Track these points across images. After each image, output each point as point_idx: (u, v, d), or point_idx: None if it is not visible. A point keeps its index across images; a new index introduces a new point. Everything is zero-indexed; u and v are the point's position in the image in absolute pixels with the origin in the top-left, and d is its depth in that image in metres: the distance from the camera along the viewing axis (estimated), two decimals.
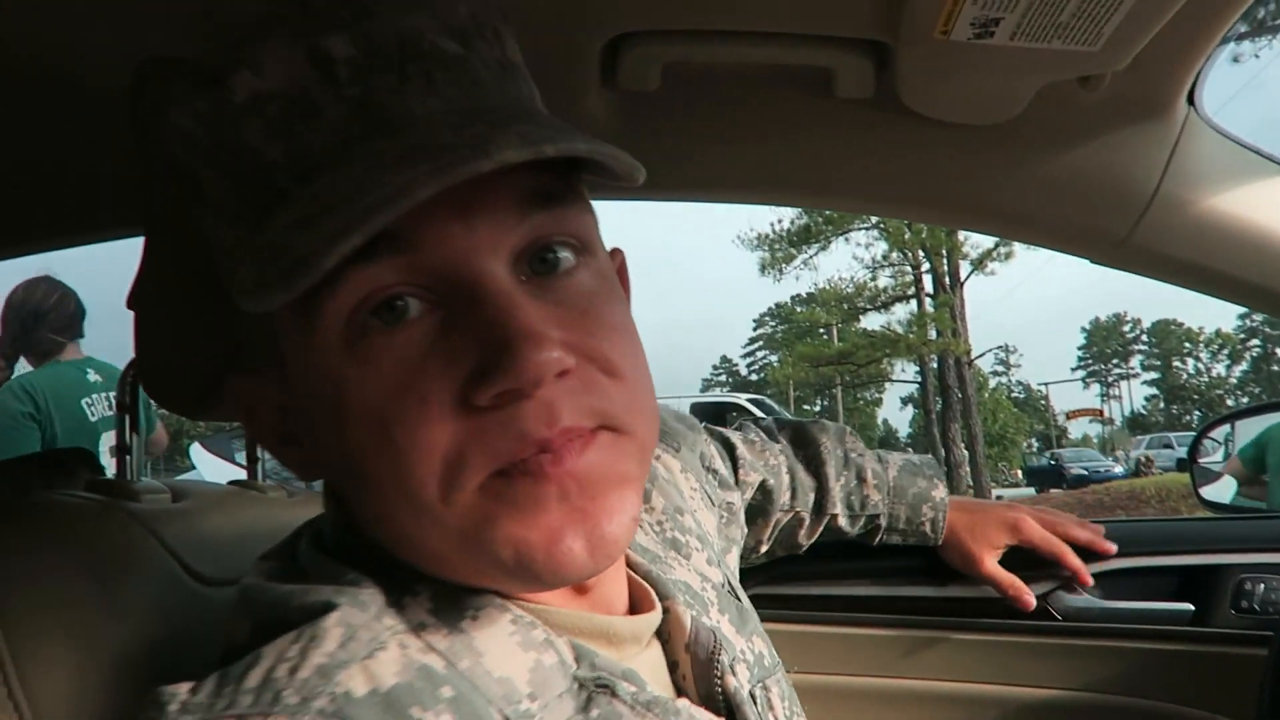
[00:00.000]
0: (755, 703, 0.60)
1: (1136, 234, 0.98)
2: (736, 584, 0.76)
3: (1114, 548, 1.14)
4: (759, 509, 1.04)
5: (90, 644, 0.56)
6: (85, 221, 1.15)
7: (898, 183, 1.02)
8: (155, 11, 0.79)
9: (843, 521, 1.09)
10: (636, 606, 0.58)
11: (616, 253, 0.56)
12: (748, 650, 0.65)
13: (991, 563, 1.12)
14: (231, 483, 0.87)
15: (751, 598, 1.23)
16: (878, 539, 1.12)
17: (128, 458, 0.72)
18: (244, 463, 0.86)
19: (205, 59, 0.47)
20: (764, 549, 1.09)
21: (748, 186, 1.07)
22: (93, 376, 2.47)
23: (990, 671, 1.17)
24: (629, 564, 0.60)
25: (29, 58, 0.86)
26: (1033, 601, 1.11)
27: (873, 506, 1.09)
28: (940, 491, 1.10)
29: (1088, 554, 1.13)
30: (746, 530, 0.99)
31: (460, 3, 0.47)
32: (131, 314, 0.69)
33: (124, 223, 1.14)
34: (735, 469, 1.00)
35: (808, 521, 1.08)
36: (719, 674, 0.57)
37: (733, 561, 0.90)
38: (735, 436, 1.04)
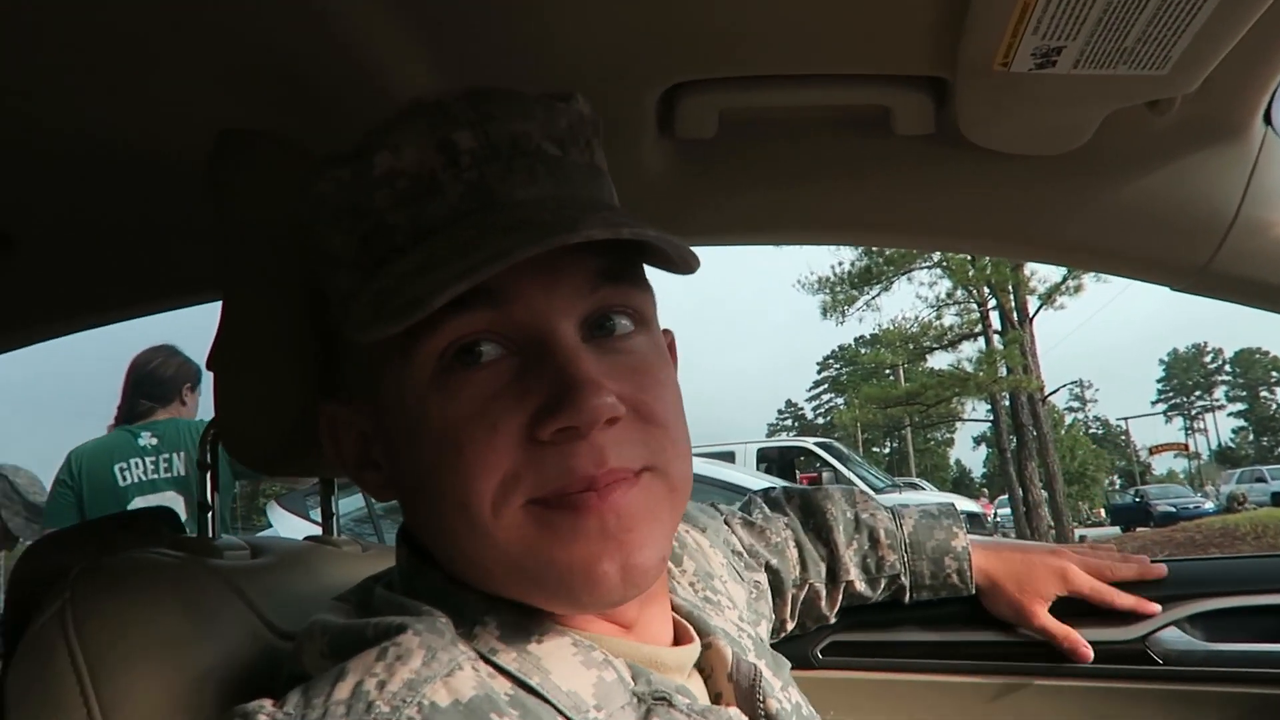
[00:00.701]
0: None
1: (1218, 259, 0.94)
2: (768, 646, 0.77)
3: (1163, 570, 1.09)
4: (774, 589, 1.03)
5: (175, 693, 0.57)
6: (166, 289, 1.19)
7: (964, 218, 1.00)
8: (222, 90, 0.83)
9: (861, 586, 1.06)
10: (678, 641, 0.63)
11: (667, 332, 0.64)
12: (784, 699, 0.67)
13: (1043, 614, 1.08)
14: (307, 538, 0.89)
15: (830, 645, 1.21)
16: (908, 598, 1.09)
17: (209, 515, 0.74)
18: (319, 519, 0.88)
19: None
20: (790, 626, 1.07)
21: (809, 228, 1.06)
22: (145, 440, 2.54)
23: (1086, 717, 1.12)
24: (672, 605, 0.66)
25: (108, 138, 0.90)
26: (1089, 653, 1.06)
27: (890, 567, 1.06)
28: (960, 540, 1.07)
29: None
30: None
31: (562, 116, 0.57)
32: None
33: (201, 289, 1.19)
34: (751, 554, 1.01)
35: (824, 592, 1.06)
36: (761, 699, 0.62)
37: (764, 633, 0.92)
38: (751, 518, 1.04)
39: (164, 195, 0.98)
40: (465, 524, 0.51)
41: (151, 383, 2.63)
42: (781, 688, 0.67)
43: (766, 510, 1.06)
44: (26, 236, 1.07)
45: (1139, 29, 0.71)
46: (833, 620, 1.09)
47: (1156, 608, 1.07)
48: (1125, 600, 1.07)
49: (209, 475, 0.74)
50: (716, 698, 0.63)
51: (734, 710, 0.57)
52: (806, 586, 1.05)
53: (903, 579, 1.06)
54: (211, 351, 0.70)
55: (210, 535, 0.73)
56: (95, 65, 0.78)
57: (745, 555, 0.96)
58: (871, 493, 1.14)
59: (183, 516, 2.46)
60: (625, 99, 0.89)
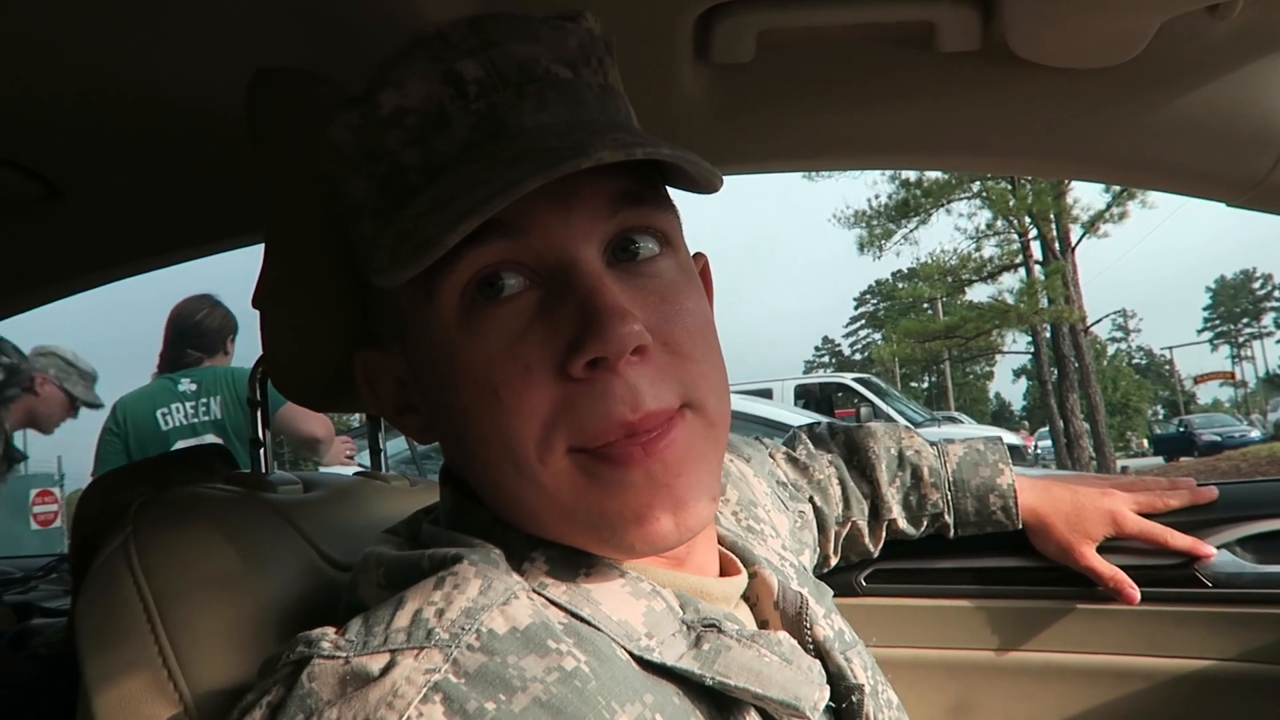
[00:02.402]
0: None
1: (1278, 171, 0.91)
2: (810, 575, 0.77)
3: (1214, 493, 1.08)
4: (818, 525, 1.03)
5: (236, 622, 0.59)
6: (209, 233, 1.20)
7: (1013, 136, 0.97)
8: (256, 30, 0.82)
9: (903, 524, 1.06)
10: (724, 573, 0.63)
11: (700, 256, 0.62)
12: (829, 626, 0.67)
13: (1091, 554, 1.06)
14: (357, 473, 0.90)
15: (873, 573, 1.22)
16: (952, 534, 1.08)
17: (261, 451, 0.75)
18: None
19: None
20: (834, 561, 1.08)
21: (852, 152, 1.04)
22: (184, 386, 2.67)
23: (1134, 643, 1.11)
24: (717, 535, 0.66)
25: (142, 87, 0.90)
26: (1136, 595, 1.05)
27: (932, 505, 1.05)
28: (1006, 478, 1.05)
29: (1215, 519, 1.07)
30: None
31: (571, 36, 0.55)
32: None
33: (243, 231, 1.19)
34: (794, 488, 1.01)
35: (867, 529, 1.06)
36: (809, 625, 0.62)
37: (807, 562, 0.91)
38: (794, 453, 1.04)
39: (205, 139, 0.98)
40: (512, 468, 0.50)
41: (198, 333, 2.74)
42: (825, 615, 0.68)
43: (810, 446, 1.06)
44: (72, 186, 1.09)
45: None
46: (875, 555, 1.10)
47: (1211, 551, 1.06)
48: (1179, 541, 1.06)
49: (260, 412, 0.75)
50: (763, 625, 0.63)
51: (784, 634, 0.57)
52: (849, 524, 1.05)
53: (946, 517, 1.06)
54: (257, 290, 0.70)
55: (264, 470, 0.74)
56: (131, 11, 0.78)
57: (789, 487, 0.96)
58: (906, 425, 1.12)
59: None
60: (660, 23, 0.86)
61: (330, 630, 0.48)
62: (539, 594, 0.51)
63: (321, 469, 2.89)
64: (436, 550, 0.52)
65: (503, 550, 0.53)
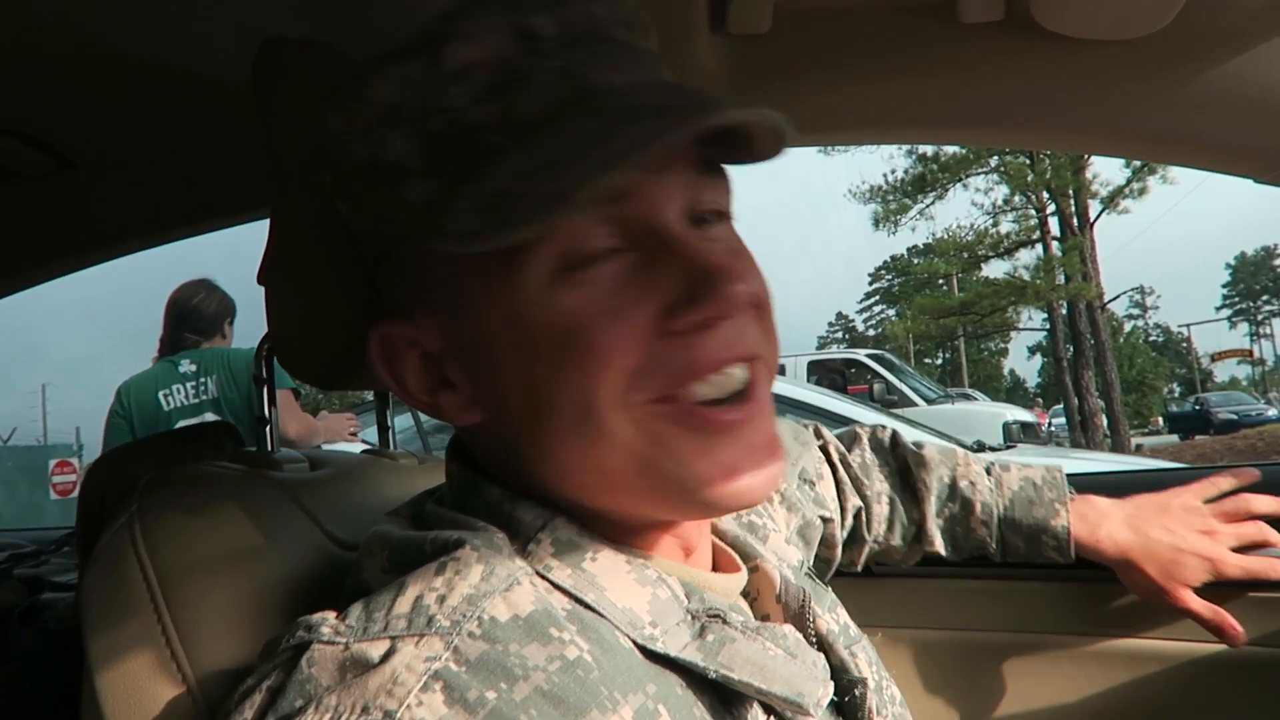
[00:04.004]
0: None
1: None
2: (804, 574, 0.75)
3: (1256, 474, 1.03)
4: (855, 535, 1.01)
5: (241, 602, 0.58)
6: (220, 207, 1.19)
7: (1036, 109, 0.95)
8: (267, 8, 0.81)
9: (944, 553, 1.02)
10: (720, 569, 0.62)
11: None
12: (833, 621, 0.66)
13: (1188, 597, 0.98)
14: (365, 451, 0.90)
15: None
16: (998, 559, 1.04)
17: (267, 429, 0.74)
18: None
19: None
20: (858, 567, 1.05)
21: (871, 126, 1.01)
22: (185, 367, 2.75)
23: (1146, 625, 1.10)
24: (717, 530, 0.65)
25: (152, 58, 0.89)
26: (1241, 635, 0.97)
27: (978, 540, 1.01)
28: (1061, 519, 0.99)
29: None
30: (840, 552, 0.97)
31: None
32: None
33: (255, 205, 1.18)
34: (840, 492, 0.98)
35: (904, 550, 1.03)
36: (811, 619, 0.61)
37: (800, 561, 0.85)
38: (850, 456, 1.01)
39: (216, 112, 0.97)
40: (589, 425, 0.49)
41: (196, 317, 2.84)
42: (829, 608, 0.67)
43: (867, 455, 1.03)
44: (85, 159, 1.08)
45: None
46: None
47: None
48: None
49: (265, 390, 0.74)
50: (764, 619, 0.62)
51: (789, 628, 0.56)
52: (886, 545, 1.03)
53: (991, 551, 1.02)
54: (262, 266, 0.69)
55: (270, 449, 0.73)
56: None
57: (819, 491, 0.93)
58: (964, 453, 1.06)
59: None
60: None
61: (331, 615, 0.47)
62: (544, 577, 0.50)
63: (325, 446, 2.93)
64: (440, 534, 0.51)
65: (508, 531, 0.52)
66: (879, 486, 1.01)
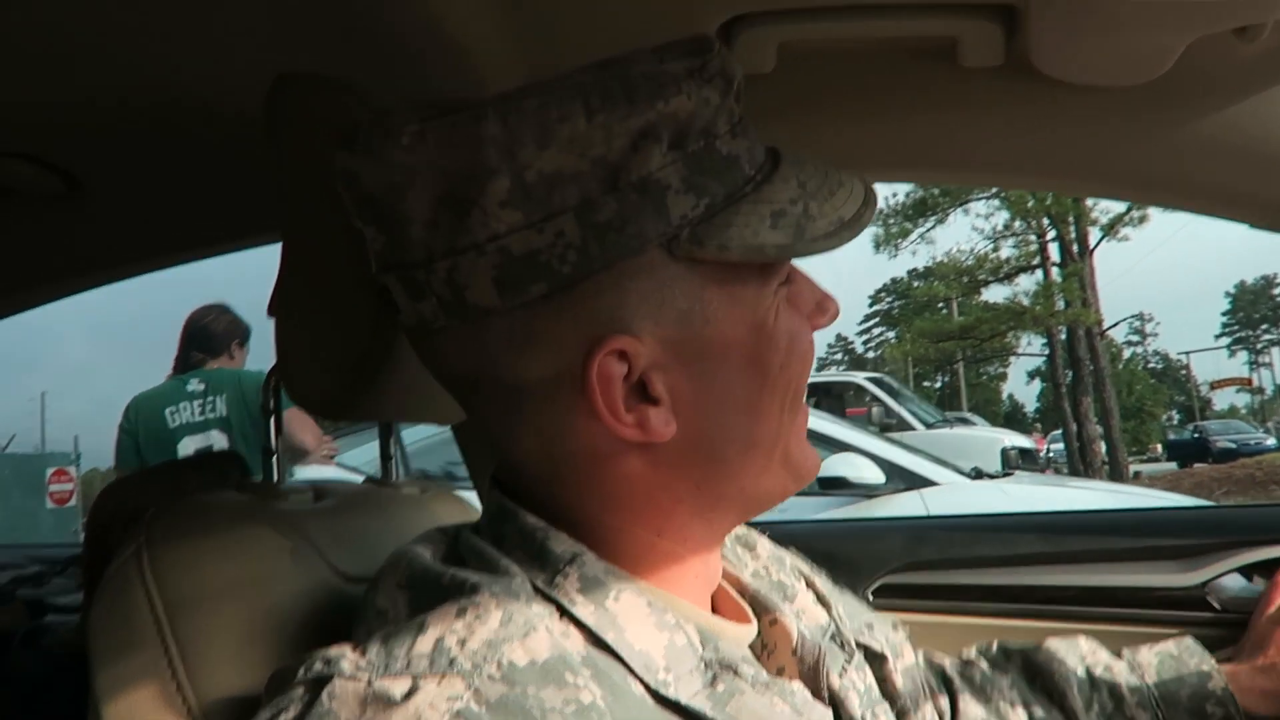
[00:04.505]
0: None
1: None
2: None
3: None
4: None
5: (247, 634, 0.59)
6: (226, 231, 1.21)
7: (1035, 153, 0.96)
8: (277, 35, 0.83)
9: None
10: (725, 616, 0.63)
11: None
12: (858, 680, 0.66)
13: None
14: (367, 480, 0.90)
15: (880, 588, 1.21)
16: None
17: (274, 459, 0.75)
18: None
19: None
20: None
21: (871, 165, 1.03)
22: (193, 385, 2.84)
23: None
24: (738, 584, 0.67)
25: (161, 85, 0.91)
26: None
27: None
28: (1218, 679, 0.89)
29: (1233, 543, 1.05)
30: None
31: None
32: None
33: (261, 230, 1.20)
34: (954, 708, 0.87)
35: None
36: (825, 674, 0.62)
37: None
38: (955, 674, 0.89)
39: (224, 139, 0.98)
40: (785, 424, 0.57)
41: (203, 336, 2.91)
42: (855, 666, 0.67)
43: (986, 669, 0.92)
44: (92, 182, 1.09)
45: None
46: None
47: None
48: None
49: (272, 420, 0.75)
50: (778, 672, 0.62)
51: (797, 684, 0.57)
52: None
53: None
54: (272, 298, 0.70)
55: (275, 479, 0.74)
56: (152, 15, 0.78)
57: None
58: (1083, 639, 0.95)
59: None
60: (682, 32, 0.86)
61: (348, 648, 0.48)
62: (564, 613, 0.51)
63: (299, 469, 3.03)
64: (458, 572, 0.52)
65: (538, 561, 0.53)
66: (1009, 694, 0.89)
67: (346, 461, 4.45)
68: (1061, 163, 0.97)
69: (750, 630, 0.62)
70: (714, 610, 0.63)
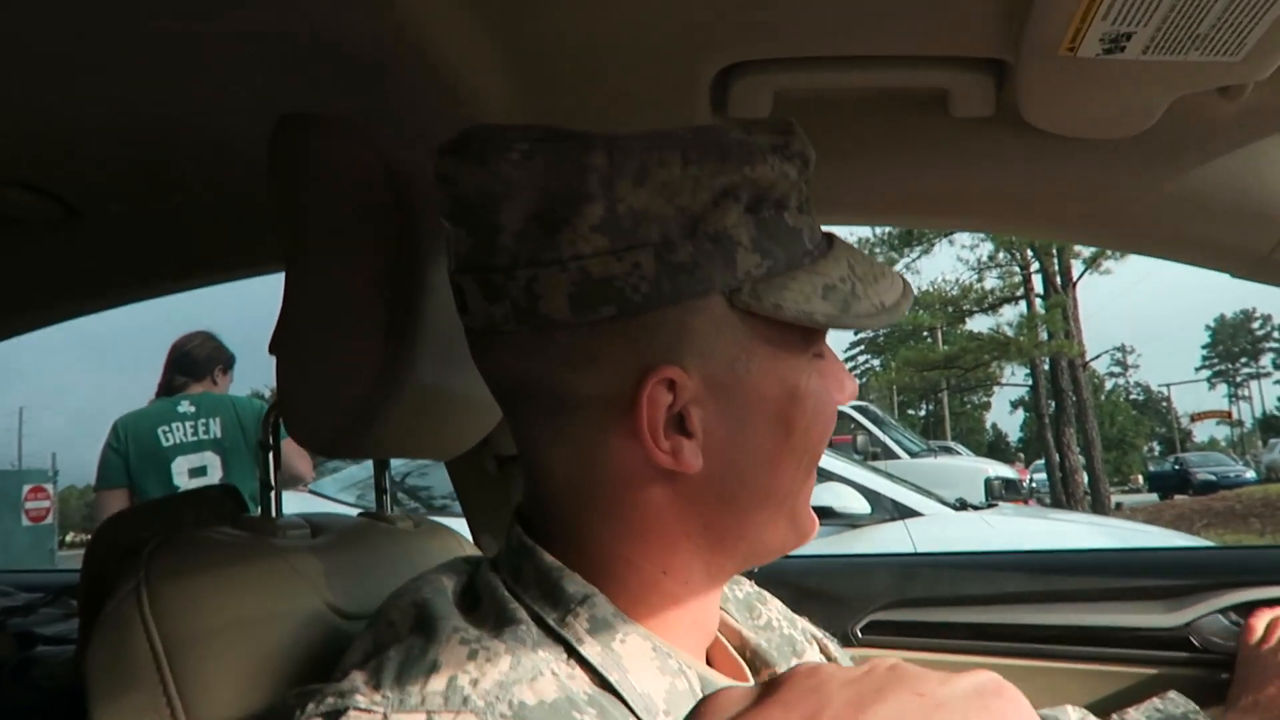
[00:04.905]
0: None
1: None
2: None
3: None
4: None
5: (246, 672, 0.59)
6: (222, 262, 1.22)
7: (1023, 200, 0.99)
8: (281, 74, 0.84)
9: None
10: (718, 668, 0.65)
11: None
12: None
13: None
14: (362, 514, 0.91)
15: (868, 625, 1.22)
16: None
17: (271, 494, 0.76)
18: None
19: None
20: None
21: (862, 209, 1.05)
22: (184, 408, 2.91)
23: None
24: (737, 635, 0.69)
25: (161, 117, 0.92)
26: None
27: None
28: None
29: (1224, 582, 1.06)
30: None
31: None
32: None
33: (255, 262, 1.21)
34: None
35: None
36: None
37: None
38: None
39: (221, 172, 0.99)
40: (800, 478, 0.60)
41: (187, 361, 2.99)
42: None
43: None
44: (90, 208, 1.10)
45: (1213, 15, 0.69)
46: None
47: None
48: None
49: (271, 455, 0.76)
50: None
51: None
52: None
53: None
54: (274, 335, 0.71)
55: (274, 514, 0.75)
56: (154, 51, 0.80)
57: None
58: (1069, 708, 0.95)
59: (217, 474, 2.82)
60: (680, 78, 0.88)
61: (360, 681, 0.49)
62: (572, 653, 0.53)
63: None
64: (464, 627, 0.53)
65: (552, 599, 0.56)
66: None
67: (323, 490, 4.44)
68: (1049, 211, 0.99)
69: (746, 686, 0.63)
70: (709, 663, 0.64)
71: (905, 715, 0.32)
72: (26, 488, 11.17)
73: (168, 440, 2.84)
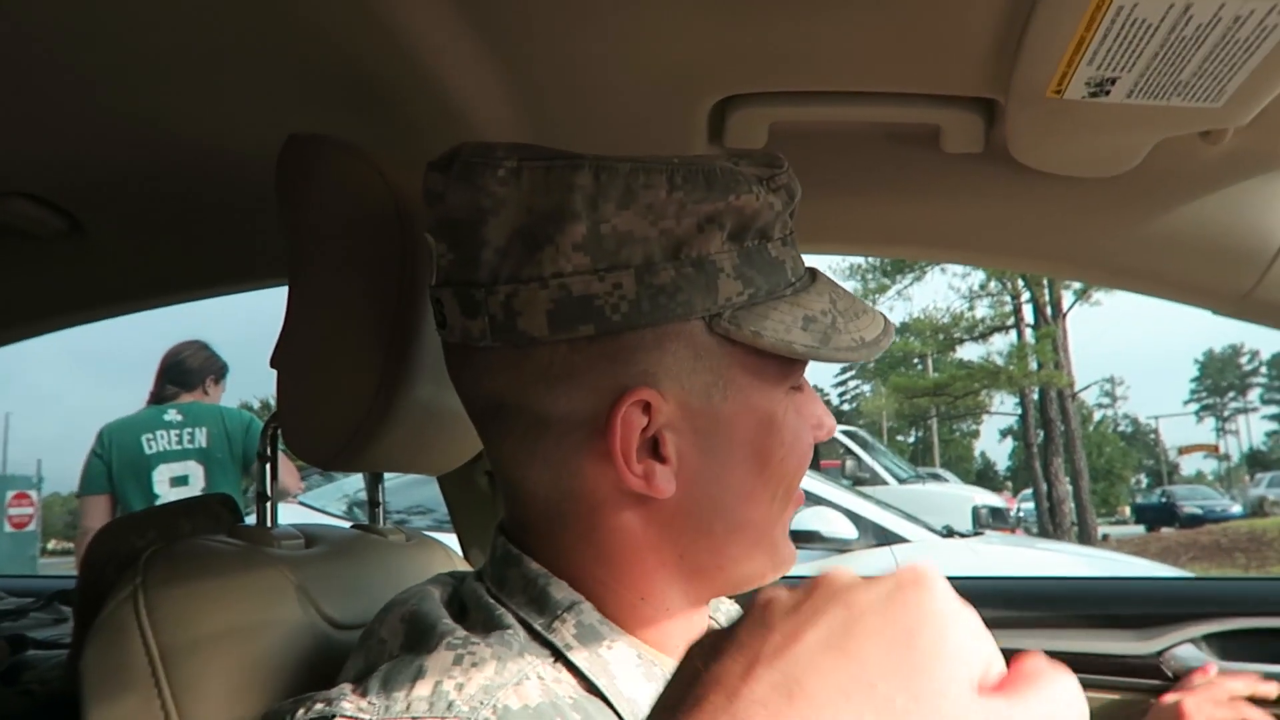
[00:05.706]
0: None
1: (1262, 286, 0.95)
2: None
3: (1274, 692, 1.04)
4: None
5: (240, 679, 0.60)
6: (229, 274, 1.23)
7: (1010, 235, 1.01)
8: (289, 94, 0.86)
9: None
10: None
11: None
12: None
13: None
14: (355, 526, 0.92)
15: None
16: None
17: (268, 505, 0.77)
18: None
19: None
20: None
21: (854, 240, 1.07)
22: (170, 416, 2.92)
23: None
24: None
25: (166, 132, 0.93)
26: None
27: None
28: None
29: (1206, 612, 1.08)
30: None
31: None
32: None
33: (258, 276, 1.22)
34: None
35: None
36: None
37: None
38: None
39: (228, 187, 1.01)
40: (766, 510, 0.60)
41: (179, 370, 3.00)
42: None
43: None
44: (94, 222, 1.11)
45: (1195, 64, 0.72)
46: None
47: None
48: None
49: (269, 466, 0.77)
50: None
51: None
52: None
53: None
54: (275, 350, 0.72)
55: (269, 524, 0.76)
56: (161, 69, 0.81)
57: None
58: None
59: (199, 484, 2.82)
60: (677, 110, 0.90)
61: (347, 689, 0.50)
62: (559, 657, 0.54)
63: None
64: (453, 632, 0.54)
65: (538, 605, 0.57)
66: None
67: (310, 501, 4.43)
68: (1035, 246, 1.01)
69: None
70: None
71: (834, 632, 0.33)
72: (10, 494, 11.07)
73: (151, 448, 2.84)
